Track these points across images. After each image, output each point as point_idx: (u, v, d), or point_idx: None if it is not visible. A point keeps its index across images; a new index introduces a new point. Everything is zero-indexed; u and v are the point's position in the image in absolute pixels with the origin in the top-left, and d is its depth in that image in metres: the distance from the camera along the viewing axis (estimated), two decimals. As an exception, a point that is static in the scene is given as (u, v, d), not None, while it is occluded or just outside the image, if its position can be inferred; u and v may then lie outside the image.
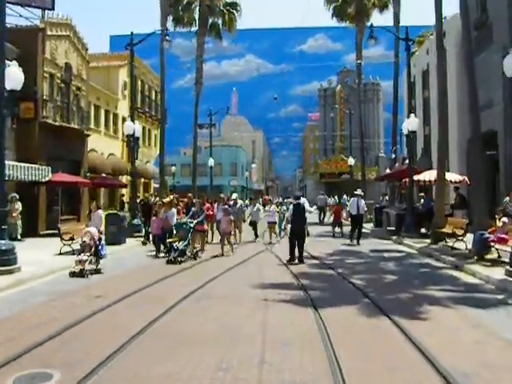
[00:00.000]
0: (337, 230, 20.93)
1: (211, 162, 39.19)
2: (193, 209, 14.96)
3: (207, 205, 16.56)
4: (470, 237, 14.22)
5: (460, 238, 14.32)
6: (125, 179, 35.32)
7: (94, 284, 10.08)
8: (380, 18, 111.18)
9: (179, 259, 12.64)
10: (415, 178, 19.18)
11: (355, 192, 18.64)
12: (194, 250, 13.63)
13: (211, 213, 16.65)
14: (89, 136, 26.94)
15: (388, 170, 55.88)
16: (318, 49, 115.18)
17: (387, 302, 8.04)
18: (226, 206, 16.08)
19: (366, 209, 18.91)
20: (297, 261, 12.68)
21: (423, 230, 19.95)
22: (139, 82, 38.85)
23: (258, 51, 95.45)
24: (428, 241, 16.87)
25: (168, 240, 13.78)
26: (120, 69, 34.43)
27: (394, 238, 18.95)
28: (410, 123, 18.86)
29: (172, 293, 8.78)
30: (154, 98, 42.03)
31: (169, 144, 74.86)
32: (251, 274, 11.12)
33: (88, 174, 26.86)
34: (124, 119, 35.30)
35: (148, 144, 40.26)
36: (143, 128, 39.96)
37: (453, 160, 28.56)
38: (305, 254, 14.40)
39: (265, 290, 9.07)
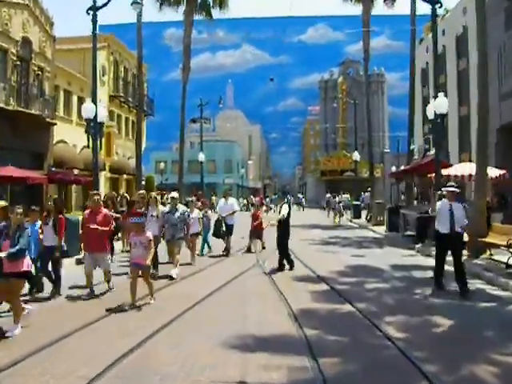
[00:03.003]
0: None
1: (201, 157, 35.42)
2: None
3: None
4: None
5: (516, 251, 10.64)
6: (103, 176, 31.66)
7: None
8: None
9: None
10: (444, 172, 15.46)
11: (446, 189, 9.47)
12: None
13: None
14: (54, 125, 23.23)
15: (394, 168, 52.42)
16: (318, 39, 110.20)
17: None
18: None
19: (466, 221, 9.32)
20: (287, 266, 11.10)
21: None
22: (121, 69, 35.13)
23: (255, 41, 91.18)
24: (465, 252, 13.19)
25: None
26: (97, 51, 30.55)
27: (417, 246, 15.25)
28: (439, 104, 15.10)
29: None
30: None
31: (160, 140, 71.41)
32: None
33: (53, 169, 23.14)
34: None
35: (132, 137, 36.42)
36: (126, 119, 36.32)
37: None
38: (309, 273, 10.90)
39: (245, 356, 5.35)
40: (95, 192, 10.06)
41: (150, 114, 40.83)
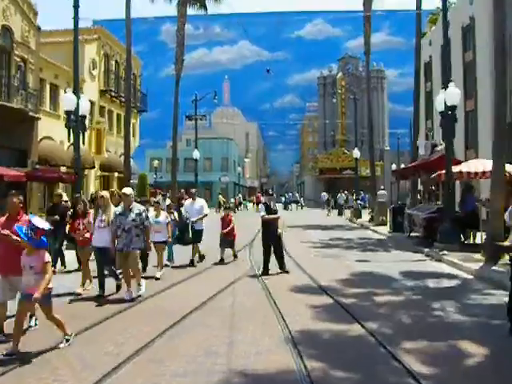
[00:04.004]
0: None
1: (196, 154, 34.17)
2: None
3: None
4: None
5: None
6: (93, 174, 30.49)
7: None
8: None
9: None
10: (455, 169, 14.25)
11: None
12: None
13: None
14: (38, 119, 21.96)
15: (394, 166, 51.23)
16: (316, 34, 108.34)
17: None
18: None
19: None
20: (280, 271, 10.50)
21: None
22: (113, 63, 33.80)
23: (252, 37, 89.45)
24: (479, 256, 12.03)
25: None
26: (86, 44, 29.32)
27: (426, 250, 14.05)
28: (450, 95, 13.91)
29: None
30: (132, 82, 36.85)
31: (156, 137, 70.01)
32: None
33: (37, 166, 21.90)
34: (91, 103, 30.34)
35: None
36: (118, 116, 34.97)
37: (483, 147, 23.71)
38: (310, 281, 9.75)
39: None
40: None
41: (143, 109, 39.64)
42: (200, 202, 12.05)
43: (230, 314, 7.14)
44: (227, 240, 12.18)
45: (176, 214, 11.86)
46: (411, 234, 17.33)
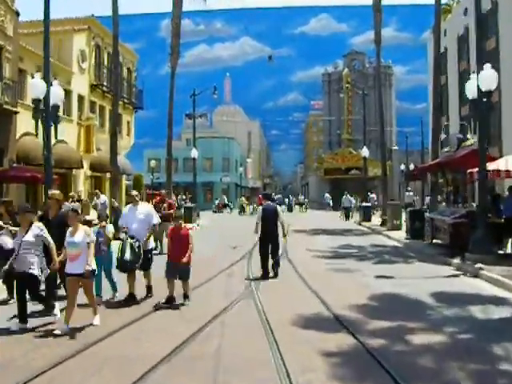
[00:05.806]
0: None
1: (194, 152, 32.10)
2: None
3: None
4: None
5: None
6: (82, 174, 28.48)
7: None
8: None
9: None
10: (490, 166, 12.11)
11: None
12: None
13: None
14: (16, 113, 19.95)
15: (403, 166, 49.07)
16: (321, 30, 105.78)
17: None
18: None
19: None
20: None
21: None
22: (105, 56, 31.72)
23: (254, 33, 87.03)
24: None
25: None
26: (75, 34, 27.34)
27: (456, 262, 11.88)
28: (484, 79, 11.77)
29: None
30: (126, 77, 34.89)
31: (156, 137, 68.01)
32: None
33: (15, 165, 19.87)
34: (81, 98, 28.40)
35: (118, 132, 33.03)
36: (110, 112, 32.85)
37: (509, 143, 21.55)
38: (322, 308, 7.68)
39: None
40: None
41: (139, 107, 37.65)
42: (144, 207, 8.42)
43: (212, 368, 4.98)
44: (179, 267, 7.66)
45: (110, 226, 8.25)
46: (433, 241, 15.20)
